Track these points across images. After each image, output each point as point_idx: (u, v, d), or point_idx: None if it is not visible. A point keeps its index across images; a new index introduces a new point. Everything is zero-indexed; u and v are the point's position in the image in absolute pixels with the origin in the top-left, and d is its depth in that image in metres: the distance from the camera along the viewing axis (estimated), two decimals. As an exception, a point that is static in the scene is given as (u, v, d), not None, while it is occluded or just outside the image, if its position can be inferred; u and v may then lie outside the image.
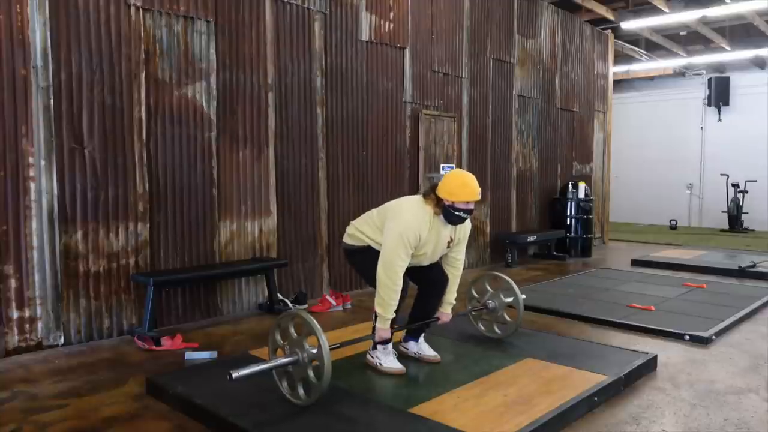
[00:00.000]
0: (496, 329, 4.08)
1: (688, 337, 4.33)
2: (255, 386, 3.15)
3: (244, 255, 5.13)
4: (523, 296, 4.06)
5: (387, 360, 3.42)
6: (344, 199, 5.87)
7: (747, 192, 12.92)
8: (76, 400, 3.16)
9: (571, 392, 3.08)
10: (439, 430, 2.68)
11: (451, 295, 3.64)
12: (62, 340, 4.09)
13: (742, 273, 7.16)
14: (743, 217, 13.00)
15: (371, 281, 3.35)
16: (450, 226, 3.38)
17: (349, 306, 5.37)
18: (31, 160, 3.90)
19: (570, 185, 8.83)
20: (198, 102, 4.76)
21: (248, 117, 5.10)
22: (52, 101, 3.97)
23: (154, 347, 4.05)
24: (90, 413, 2.99)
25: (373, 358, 3.47)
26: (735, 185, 12.94)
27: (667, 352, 4.04)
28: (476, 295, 4.21)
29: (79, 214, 4.13)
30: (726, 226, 13.16)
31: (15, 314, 3.88)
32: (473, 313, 4.19)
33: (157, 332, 4.27)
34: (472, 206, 3.31)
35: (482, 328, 4.17)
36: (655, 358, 3.75)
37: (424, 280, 3.56)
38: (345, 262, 5.87)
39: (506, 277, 4.11)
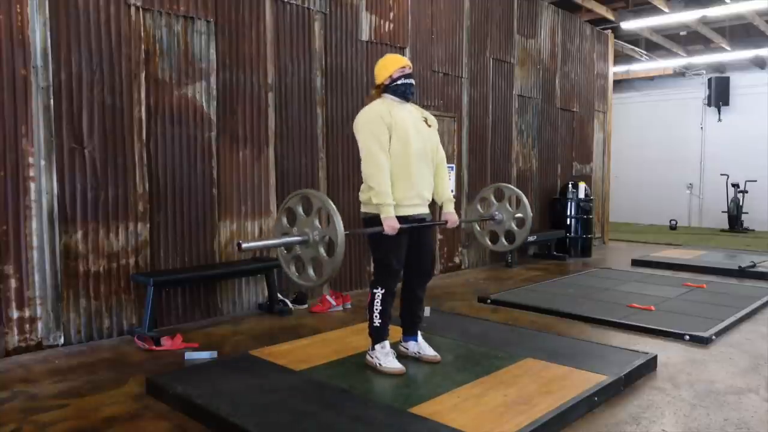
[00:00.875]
0: (504, 242, 4.02)
1: (688, 337, 4.33)
2: (255, 386, 3.15)
3: (244, 255, 5.13)
4: (531, 214, 4.01)
5: (386, 360, 3.42)
6: (344, 199, 5.86)
7: (747, 192, 12.92)
8: (76, 400, 3.16)
9: (571, 392, 3.08)
10: (439, 430, 2.68)
11: (446, 191, 3.64)
12: (62, 340, 4.09)
13: (742, 273, 7.16)
14: (743, 217, 13.00)
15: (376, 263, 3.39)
16: (411, 108, 3.46)
17: (349, 306, 5.37)
18: (31, 160, 3.90)
19: (570, 185, 8.83)
20: (198, 102, 4.76)
21: (248, 117, 5.10)
22: (52, 101, 3.97)
23: (154, 347, 4.05)
24: (90, 413, 2.99)
25: (372, 358, 3.47)
26: (735, 185, 12.95)
27: (667, 352, 4.04)
28: (481, 210, 4.14)
29: (79, 214, 4.13)
30: (726, 226, 13.16)
31: (15, 314, 3.88)
32: (478, 227, 4.12)
33: (157, 332, 4.27)
34: (408, 71, 3.42)
35: (489, 242, 4.10)
36: (655, 358, 3.75)
37: (411, 268, 3.52)
38: (345, 262, 5.90)
39: (511, 187, 4.04)
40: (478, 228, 4.11)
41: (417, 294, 3.60)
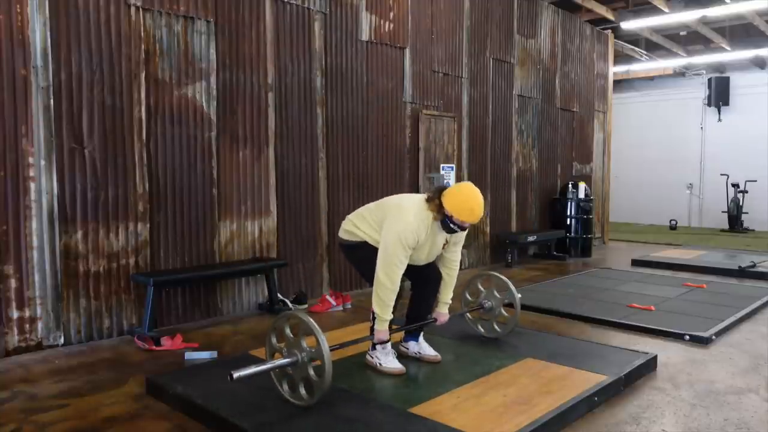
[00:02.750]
0: (497, 328, 4.08)
1: (688, 337, 4.33)
2: (255, 386, 3.15)
3: (244, 255, 5.13)
4: (519, 296, 4.06)
5: (386, 360, 3.42)
6: (344, 199, 5.87)
7: (747, 192, 12.92)
8: (76, 400, 3.16)
9: (571, 392, 3.08)
10: (439, 430, 2.68)
11: (447, 295, 3.65)
12: (62, 340, 4.09)
13: (742, 273, 7.16)
14: (743, 217, 13.00)
15: (368, 278, 3.36)
16: (445, 234, 3.41)
17: (349, 306, 5.37)
18: (31, 160, 3.90)
19: (570, 185, 8.83)
20: (198, 102, 4.76)
21: (248, 117, 5.10)
22: (52, 101, 3.97)
23: (154, 347, 4.05)
24: (90, 413, 2.99)
25: (372, 358, 3.47)
26: (735, 185, 12.94)
27: (667, 352, 4.04)
28: (470, 298, 4.22)
29: (79, 214, 4.13)
30: (726, 226, 13.16)
31: (15, 314, 3.88)
32: (470, 315, 4.20)
33: (157, 332, 4.27)
34: (467, 225, 3.33)
35: (482, 329, 4.17)
36: (655, 358, 3.75)
37: (419, 277, 3.56)
38: (345, 262, 5.90)
39: (497, 275, 4.11)
40: (470, 317, 4.21)
41: (426, 297, 3.62)
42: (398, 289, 3.26)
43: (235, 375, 2.70)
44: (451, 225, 3.27)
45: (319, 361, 2.80)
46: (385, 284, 3.21)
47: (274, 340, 3.02)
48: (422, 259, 3.43)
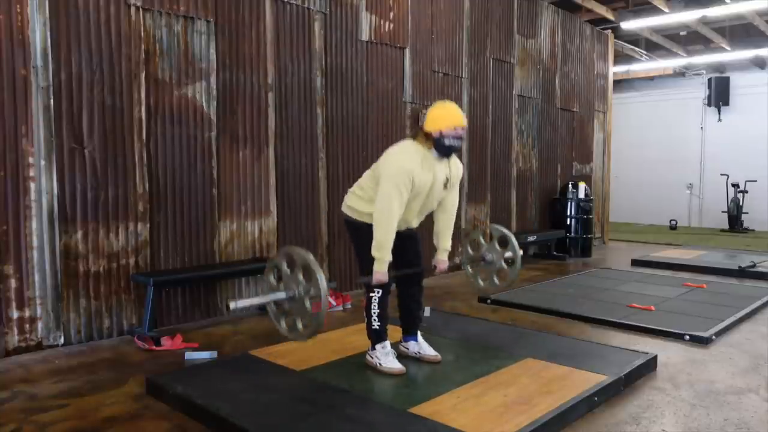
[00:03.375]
0: (496, 281, 4.03)
1: (688, 337, 4.33)
2: (255, 386, 3.15)
3: (244, 255, 5.13)
4: (521, 252, 3.99)
5: (386, 360, 3.42)
6: (344, 198, 5.85)
7: (747, 192, 12.92)
8: (76, 400, 3.16)
9: (571, 392, 3.08)
10: (439, 430, 2.68)
11: (446, 242, 3.62)
12: (62, 340, 4.09)
13: (742, 273, 7.16)
14: (743, 217, 13.00)
15: (362, 264, 3.36)
16: (443, 162, 3.37)
17: (349, 306, 5.37)
18: (31, 160, 3.90)
19: (570, 185, 8.83)
20: (198, 102, 4.76)
21: (248, 117, 5.10)
22: (52, 101, 3.97)
23: (154, 347, 4.05)
24: (90, 413, 2.99)
25: (372, 358, 3.47)
26: (735, 185, 12.94)
27: (667, 352, 4.04)
28: (471, 251, 4.16)
29: (79, 214, 4.13)
30: (726, 226, 13.16)
31: (15, 314, 3.88)
32: (470, 269, 4.14)
33: (157, 332, 4.27)
34: (461, 132, 3.30)
35: (481, 282, 4.12)
36: (655, 358, 3.75)
37: (404, 276, 3.53)
38: (345, 262, 5.91)
39: (500, 227, 4.05)
40: (470, 270, 4.16)
41: (413, 293, 3.60)
42: (395, 229, 3.21)
43: (232, 305, 2.70)
44: (446, 142, 3.25)
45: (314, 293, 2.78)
46: (383, 224, 3.18)
47: (272, 277, 3.01)
48: (429, 200, 3.38)
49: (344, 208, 3.55)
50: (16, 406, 3.08)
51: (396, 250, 3.41)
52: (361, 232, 3.37)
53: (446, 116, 3.27)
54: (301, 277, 2.86)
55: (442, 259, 3.63)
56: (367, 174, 3.48)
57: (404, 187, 3.20)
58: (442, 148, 3.28)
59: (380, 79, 6.21)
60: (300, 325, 2.86)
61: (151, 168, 4.50)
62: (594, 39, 10.06)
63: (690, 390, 3.38)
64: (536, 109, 8.71)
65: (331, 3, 5.67)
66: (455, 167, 3.50)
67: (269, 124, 5.25)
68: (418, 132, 3.35)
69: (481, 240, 4.10)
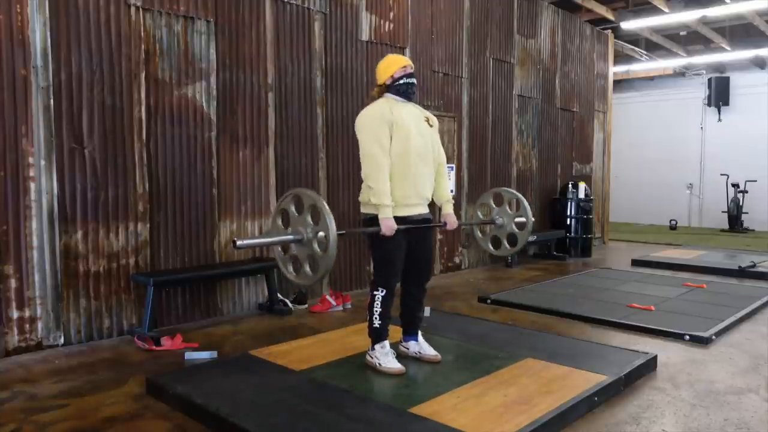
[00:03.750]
0: (507, 245, 4.01)
1: (688, 337, 4.33)
2: (255, 386, 3.15)
3: (244, 255, 5.13)
4: (533, 219, 4.02)
5: (386, 360, 3.42)
6: (344, 199, 5.86)
7: (747, 192, 12.92)
8: (76, 400, 3.16)
9: (571, 392, 3.08)
10: (439, 430, 2.68)
11: (445, 191, 3.64)
12: (62, 340, 4.09)
13: (742, 273, 7.16)
14: (743, 217, 13.00)
15: (373, 260, 3.38)
16: (412, 107, 3.45)
17: (349, 306, 5.37)
18: (31, 160, 3.90)
19: (570, 185, 8.83)
20: (198, 102, 4.76)
21: (248, 117, 5.10)
22: (52, 101, 3.97)
23: (154, 347, 4.05)
24: (90, 413, 2.99)
25: (372, 358, 3.47)
26: (735, 185, 12.94)
27: (667, 352, 4.04)
28: (482, 216, 4.14)
29: (79, 214, 4.13)
30: (726, 226, 13.16)
31: (15, 314, 3.88)
32: (480, 233, 4.13)
33: (157, 332, 4.27)
34: (409, 70, 3.42)
35: (491, 247, 4.10)
36: (655, 358, 3.75)
37: (408, 276, 3.53)
38: (345, 262, 5.91)
39: (512, 191, 4.04)
40: (480, 234, 4.12)
41: (416, 295, 3.60)
42: (387, 168, 3.23)
43: (239, 243, 2.70)
44: (401, 83, 3.38)
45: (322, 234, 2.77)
46: (372, 170, 3.21)
47: (279, 221, 3.00)
48: (421, 150, 3.37)
49: (361, 207, 3.51)
50: (16, 406, 3.08)
51: (410, 248, 3.42)
52: (372, 225, 3.35)
53: (391, 62, 3.46)
54: (309, 219, 2.83)
55: (449, 213, 3.63)
56: None
57: (380, 130, 3.26)
58: (401, 88, 3.40)
59: (380, 79, 6.19)
60: (307, 269, 2.83)
61: (151, 168, 4.50)
62: (594, 39, 10.06)
63: (690, 390, 3.38)
64: (536, 109, 8.71)
65: (331, 3, 5.68)
66: (428, 113, 3.58)
67: (269, 124, 5.25)
68: (373, 92, 3.50)
69: (492, 203, 4.08)
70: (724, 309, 5.17)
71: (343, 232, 2.98)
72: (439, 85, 6.97)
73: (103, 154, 4.22)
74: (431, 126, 3.53)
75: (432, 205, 3.58)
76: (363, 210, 3.45)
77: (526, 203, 3.95)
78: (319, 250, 2.79)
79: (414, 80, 3.45)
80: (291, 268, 2.91)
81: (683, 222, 14.14)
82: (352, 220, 5.61)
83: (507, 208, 3.99)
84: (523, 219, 3.94)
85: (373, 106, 3.38)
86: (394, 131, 3.28)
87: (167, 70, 4.56)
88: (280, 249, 3.12)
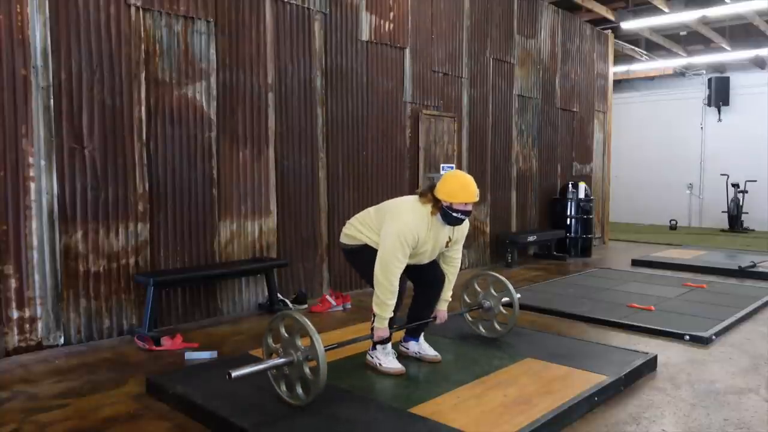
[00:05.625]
0: (497, 327, 4.08)
1: (688, 337, 4.33)
2: (254, 386, 3.15)
3: (244, 255, 5.13)
4: (518, 296, 4.07)
5: (386, 360, 3.42)
6: (344, 199, 5.87)
7: (747, 192, 12.92)
8: (76, 400, 3.16)
9: (571, 392, 3.08)
10: (439, 430, 2.68)
11: (447, 293, 3.64)
12: (62, 340, 4.09)
13: (742, 273, 7.16)
14: (743, 217, 13.00)
15: (370, 281, 3.35)
16: (448, 226, 3.38)
17: (349, 306, 5.37)
18: (31, 160, 3.90)
19: (570, 185, 8.83)
20: (198, 102, 4.76)
21: (248, 117, 5.10)
22: (52, 101, 3.97)
23: (154, 347, 4.05)
24: (90, 413, 2.99)
25: (372, 358, 3.47)
26: (735, 185, 12.94)
27: (667, 352, 4.04)
28: (468, 299, 4.22)
29: (79, 214, 4.13)
30: (726, 226, 13.16)
31: (15, 314, 3.88)
32: (469, 316, 4.20)
33: (157, 332, 4.27)
34: (470, 207, 3.29)
35: (482, 330, 4.17)
36: (655, 358, 3.75)
37: (422, 279, 3.56)
38: (345, 262, 5.90)
39: (495, 274, 4.12)
40: (470, 318, 4.21)
41: (428, 298, 3.61)
42: (397, 288, 3.25)
43: (234, 374, 2.71)
44: (453, 213, 3.24)
45: (314, 362, 2.79)
46: (384, 284, 3.20)
47: (270, 340, 3.02)
48: (425, 258, 3.42)
49: (343, 239, 3.57)
50: (16, 406, 3.08)
51: (416, 268, 3.46)
52: (362, 254, 3.40)
53: (460, 193, 3.24)
54: (299, 342, 2.86)
55: (441, 310, 3.65)
56: (370, 211, 3.50)
57: (408, 247, 3.22)
58: (449, 218, 3.29)
59: (380, 79, 6.20)
60: (299, 391, 2.87)
61: (151, 168, 4.50)
62: (594, 39, 10.06)
63: (690, 390, 3.38)
64: (536, 109, 8.71)
65: (331, 3, 5.67)
66: (460, 230, 3.49)
67: (269, 124, 5.25)
68: (428, 194, 3.31)
69: (477, 287, 4.16)
70: (724, 309, 5.17)
71: (334, 345, 3.08)
72: (439, 85, 6.97)
73: (103, 154, 4.22)
74: (448, 247, 3.48)
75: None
76: (347, 242, 3.51)
77: (509, 284, 4.02)
78: (309, 372, 2.82)
79: (467, 217, 3.33)
80: (284, 387, 2.96)
81: (683, 222, 14.13)
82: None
83: (492, 290, 4.07)
84: (507, 299, 4.02)
85: (415, 218, 3.25)
86: (416, 243, 3.27)
87: (167, 70, 4.56)
88: (273, 369, 3.14)
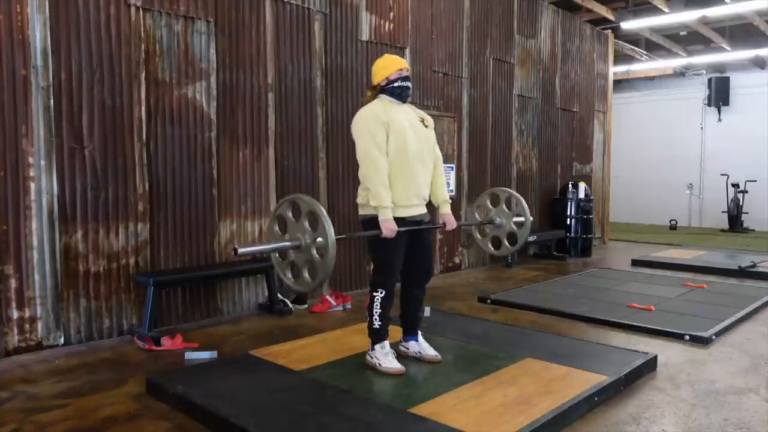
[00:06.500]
0: (507, 244, 4.03)
1: (688, 337, 4.33)
2: (255, 386, 3.15)
3: (245, 255, 5.12)
4: (531, 218, 4.02)
5: (386, 360, 3.42)
6: (344, 198, 5.86)
7: (747, 192, 12.92)
8: (76, 400, 3.16)
9: (571, 392, 3.08)
10: (438, 430, 2.68)
11: (443, 191, 3.63)
12: (62, 340, 4.09)
13: (742, 273, 7.16)
14: (743, 217, 13.00)
15: (373, 261, 3.36)
16: (407, 107, 3.46)
17: (349, 306, 5.37)
18: (31, 160, 3.90)
19: (570, 185, 8.83)
20: (198, 102, 4.76)
21: (248, 117, 5.10)
22: (52, 101, 3.97)
23: (154, 347, 4.05)
24: (90, 413, 2.99)
25: (372, 358, 3.47)
26: (735, 185, 12.94)
27: (667, 352, 4.04)
28: (479, 217, 4.15)
29: (79, 214, 4.13)
30: (726, 226, 13.16)
31: (15, 314, 3.88)
32: (479, 235, 4.14)
33: (157, 332, 4.27)
34: (405, 73, 3.42)
35: (492, 248, 4.10)
36: (655, 358, 3.75)
37: (408, 274, 3.53)
38: (345, 262, 5.91)
39: (508, 190, 4.05)
40: (479, 236, 4.13)
41: (417, 294, 3.60)
42: (385, 172, 3.22)
43: (240, 250, 2.68)
44: (396, 85, 3.39)
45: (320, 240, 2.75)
46: (370, 172, 3.21)
47: (276, 227, 2.97)
48: (418, 150, 3.36)
49: (359, 209, 3.51)
50: (16, 406, 3.08)
51: (410, 248, 3.43)
52: (370, 226, 3.35)
53: (387, 64, 3.46)
54: (306, 225, 2.82)
55: (447, 213, 3.64)
56: None
57: (377, 131, 3.26)
58: (396, 90, 3.41)
59: (380, 79, 6.19)
60: (306, 275, 2.82)
61: (151, 168, 4.50)
62: (594, 39, 10.06)
63: (690, 390, 3.38)
64: (536, 109, 8.71)
65: (331, 3, 5.67)
66: (423, 113, 3.57)
67: (269, 124, 5.25)
68: (368, 93, 3.50)
69: (489, 204, 4.08)
70: (724, 309, 5.17)
71: (343, 236, 2.98)
72: (439, 85, 6.97)
73: (103, 154, 4.22)
74: (426, 126, 3.52)
75: (429, 204, 3.58)
76: (361, 212, 3.45)
77: (523, 201, 3.96)
78: (317, 256, 2.77)
79: (409, 83, 3.46)
80: (290, 274, 2.90)
81: (683, 222, 14.14)
82: (352, 220, 5.60)
83: (504, 207, 3.99)
84: (521, 218, 3.95)
85: (368, 107, 3.39)
86: (390, 132, 3.28)
87: (167, 70, 4.56)
88: (277, 255, 3.10)
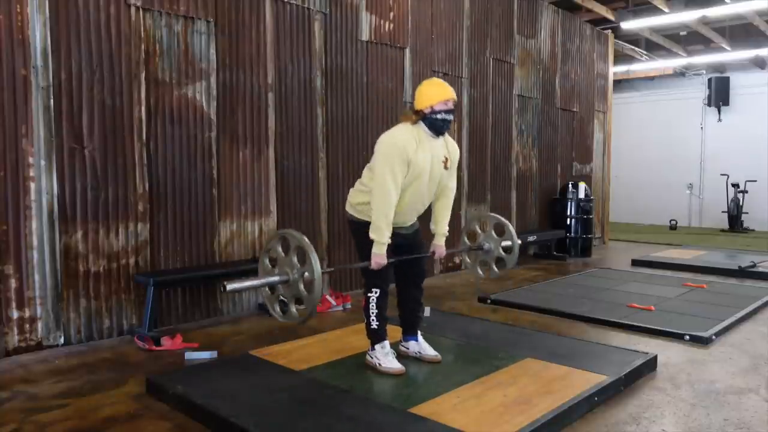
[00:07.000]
0: (495, 269, 4.08)
1: (688, 337, 4.33)
2: (255, 386, 3.15)
3: (244, 255, 5.13)
4: (519, 241, 4.06)
5: (386, 360, 3.42)
6: (344, 198, 5.81)
7: (747, 192, 12.92)
8: (76, 400, 3.16)
9: (571, 392, 3.08)
10: (438, 430, 2.68)
11: (443, 226, 3.62)
12: (62, 340, 4.09)
13: (742, 273, 7.16)
14: (743, 217, 13.00)
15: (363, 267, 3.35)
16: (440, 141, 3.35)
17: (349, 306, 5.36)
18: (31, 160, 3.90)
19: (570, 185, 8.83)
20: (198, 102, 4.76)
21: (248, 117, 5.10)
22: (52, 101, 3.97)
23: (154, 347, 4.05)
24: (90, 413, 2.99)
25: (372, 358, 3.47)
26: (735, 185, 12.94)
27: (667, 352, 4.04)
28: (468, 241, 4.20)
29: (79, 214, 4.13)
30: (726, 226, 13.16)
31: (15, 314, 3.88)
32: (468, 258, 4.19)
33: (157, 332, 4.27)
34: (451, 105, 3.27)
35: (480, 272, 4.15)
36: (655, 358, 3.75)
37: (404, 276, 3.56)
38: (345, 262, 5.91)
39: (495, 215, 4.12)
40: (469, 260, 4.20)
41: (414, 294, 3.61)
42: (393, 210, 3.19)
43: (229, 287, 2.69)
44: (437, 117, 3.23)
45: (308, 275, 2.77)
46: (380, 206, 3.16)
47: (266, 261, 3.00)
48: (425, 183, 3.32)
49: (347, 207, 3.55)
50: (16, 406, 3.08)
51: (403, 251, 3.44)
52: (363, 232, 3.36)
53: (437, 91, 3.26)
54: (295, 260, 2.85)
55: (439, 245, 3.64)
56: (366, 168, 3.48)
57: (398, 165, 3.16)
58: (436, 123, 3.26)
59: (380, 79, 6.20)
60: (293, 310, 2.85)
61: (151, 168, 4.50)
62: (594, 39, 10.06)
63: (690, 390, 3.38)
64: (536, 109, 8.71)
65: (331, 3, 5.67)
66: (452, 146, 3.50)
67: (269, 124, 5.25)
68: (408, 113, 3.32)
69: (478, 229, 4.13)
70: (724, 309, 5.17)
71: (331, 269, 3.05)
72: (439, 85, 6.95)
73: (103, 154, 4.22)
74: (447, 168, 3.46)
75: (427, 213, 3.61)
76: (351, 212, 3.48)
77: (511, 227, 4.02)
78: (304, 290, 2.82)
79: (452, 116, 3.31)
80: (278, 309, 2.95)
81: (683, 222, 14.13)
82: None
83: (492, 233, 4.06)
84: (509, 242, 4.01)
85: (401, 135, 3.22)
86: (410, 167, 3.22)
87: (167, 70, 4.56)
88: (267, 289, 3.13)
